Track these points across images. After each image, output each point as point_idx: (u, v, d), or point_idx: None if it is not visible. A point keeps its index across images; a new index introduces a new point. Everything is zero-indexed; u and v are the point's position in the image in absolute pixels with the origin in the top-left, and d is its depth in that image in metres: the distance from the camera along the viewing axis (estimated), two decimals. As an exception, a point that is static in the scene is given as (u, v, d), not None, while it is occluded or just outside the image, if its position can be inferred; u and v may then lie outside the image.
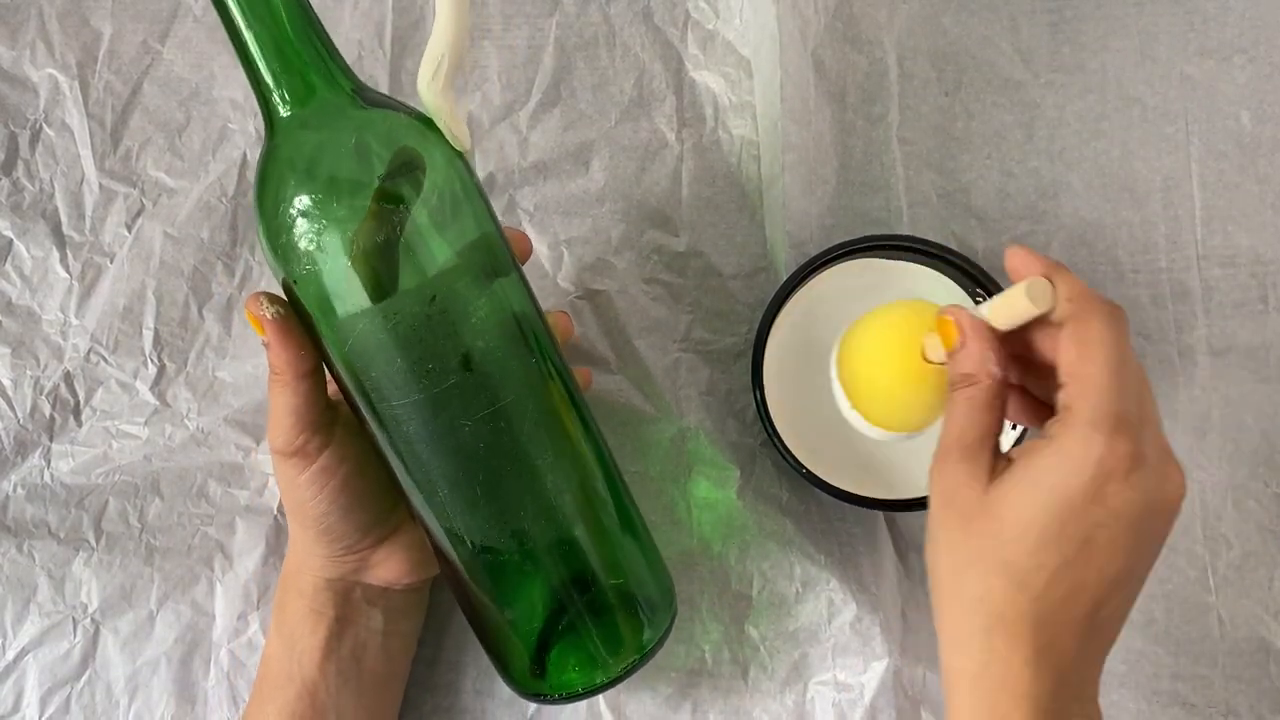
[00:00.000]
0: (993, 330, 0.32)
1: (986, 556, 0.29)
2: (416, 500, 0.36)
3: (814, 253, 0.43)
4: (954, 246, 0.45)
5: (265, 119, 0.34)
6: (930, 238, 0.42)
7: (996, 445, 0.31)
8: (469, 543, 0.35)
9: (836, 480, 0.41)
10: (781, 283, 0.42)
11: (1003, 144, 0.46)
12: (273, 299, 0.34)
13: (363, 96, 0.34)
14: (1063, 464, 0.28)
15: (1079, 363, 0.29)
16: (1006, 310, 0.31)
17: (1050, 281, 0.30)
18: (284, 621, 0.39)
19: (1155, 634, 0.44)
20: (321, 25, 0.34)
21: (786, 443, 0.41)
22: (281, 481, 0.37)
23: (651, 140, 0.47)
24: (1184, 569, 0.44)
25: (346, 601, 0.39)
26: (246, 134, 0.47)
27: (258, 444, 0.46)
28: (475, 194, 0.35)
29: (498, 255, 0.35)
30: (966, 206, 0.46)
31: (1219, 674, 0.43)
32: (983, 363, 0.31)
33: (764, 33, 0.46)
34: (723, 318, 0.46)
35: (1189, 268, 0.45)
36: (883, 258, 0.43)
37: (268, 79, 0.33)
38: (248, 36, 0.32)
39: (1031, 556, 0.28)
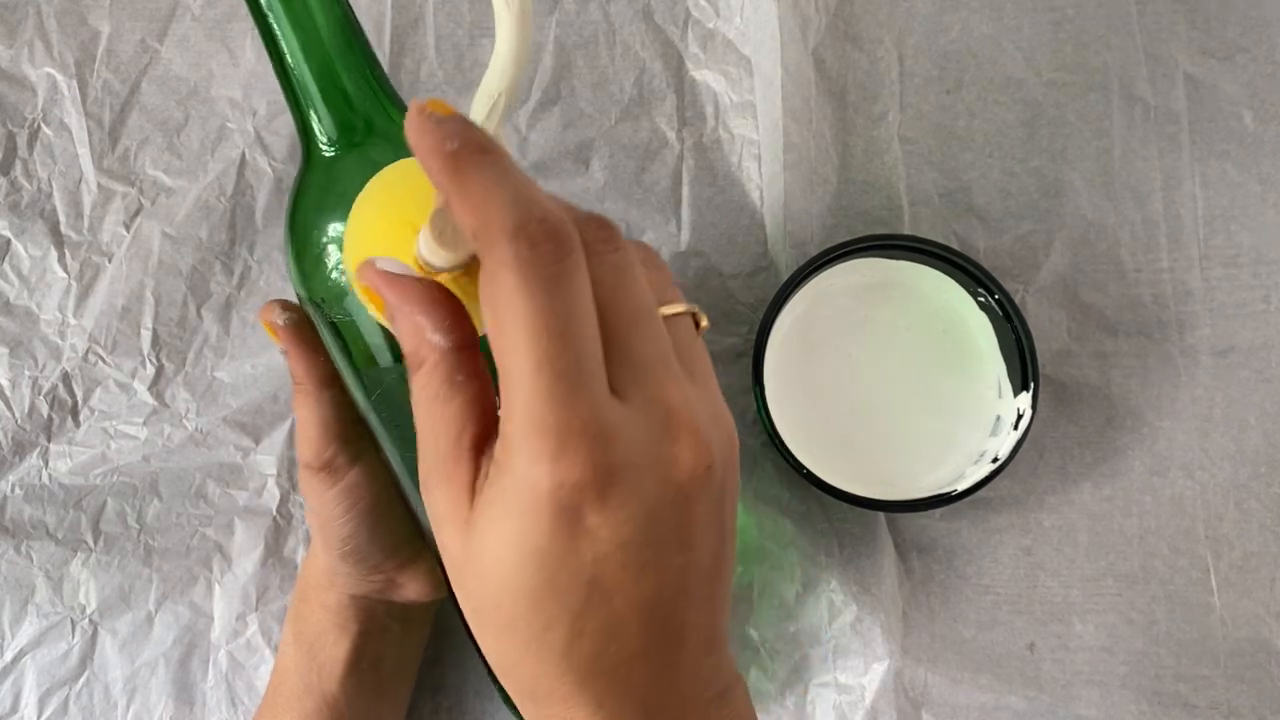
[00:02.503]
0: (423, 283, 0.22)
1: (488, 617, 0.22)
2: (422, 521, 0.36)
3: (815, 252, 0.42)
4: (956, 246, 0.45)
5: (303, 147, 0.33)
6: (932, 237, 0.42)
7: (484, 441, 0.22)
8: None
9: (836, 480, 0.41)
10: (782, 282, 0.42)
11: (1004, 143, 0.46)
12: (285, 305, 0.34)
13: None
14: (516, 511, 0.20)
15: (496, 343, 0.20)
16: (430, 247, 0.22)
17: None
18: (304, 632, 0.39)
19: (1156, 635, 0.44)
20: (376, 60, 0.33)
21: (787, 443, 0.41)
22: (310, 498, 0.36)
23: (652, 139, 0.47)
24: (1186, 569, 0.44)
25: (371, 617, 0.39)
26: (245, 133, 0.47)
27: (257, 444, 0.46)
28: None
29: None
30: (968, 206, 0.46)
31: (1221, 675, 0.43)
32: (418, 334, 0.22)
33: (765, 31, 0.46)
34: (723, 317, 0.46)
35: (1191, 267, 0.45)
36: (884, 257, 0.43)
37: (314, 125, 0.32)
38: (297, 79, 0.32)
39: (534, 617, 0.21)
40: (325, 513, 0.36)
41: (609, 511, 0.20)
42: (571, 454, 0.20)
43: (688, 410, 0.21)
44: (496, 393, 0.22)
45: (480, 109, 0.31)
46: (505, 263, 0.19)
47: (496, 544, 0.21)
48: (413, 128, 0.20)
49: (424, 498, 0.23)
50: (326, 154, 0.32)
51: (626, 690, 0.22)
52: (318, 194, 0.32)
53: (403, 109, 0.34)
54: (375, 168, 0.31)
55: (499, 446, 0.21)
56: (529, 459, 0.20)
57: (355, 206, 0.26)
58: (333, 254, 0.32)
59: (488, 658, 0.23)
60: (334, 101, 0.32)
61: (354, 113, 0.32)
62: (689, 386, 0.22)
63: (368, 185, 0.27)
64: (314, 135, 0.32)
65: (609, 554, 0.21)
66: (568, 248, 0.20)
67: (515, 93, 0.30)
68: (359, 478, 0.35)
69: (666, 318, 0.23)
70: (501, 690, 0.37)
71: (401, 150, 0.32)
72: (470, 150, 0.20)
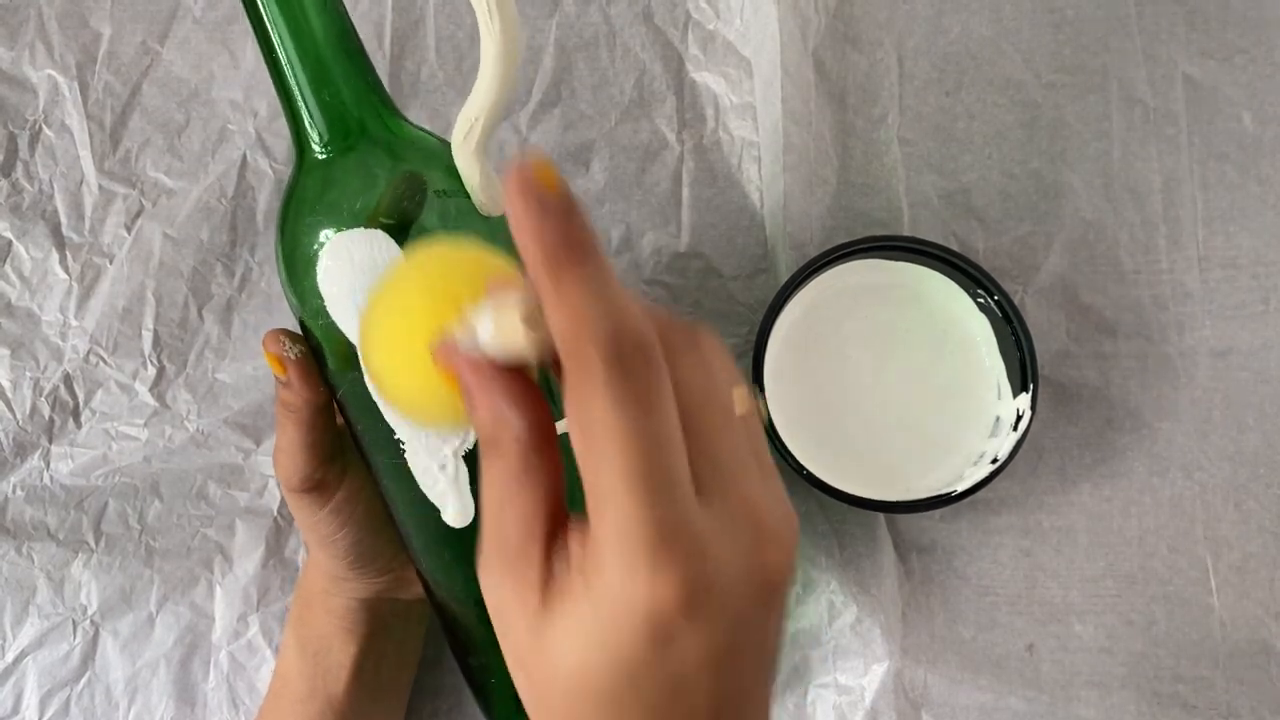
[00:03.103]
0: (502, 367, 0.22)
1: (556, 709, 0.22)
2: (400, 526, 0.36)
3: (814, 253, 0.42)
4: (955, 247, 0.45)
5: (296, 150, 0.33)
6: (931, 238, 0.42)
7: (553, 532, 0.22)
8: (438, 598, 0.36)
9: (836, 481, 0.41)
10: (782, 284, 0.42)
11: (1004, 145, 0.46)
12: (294, 338, 0.33)
13: (400, 138, 0.33)
14: (608, 621, 0.20)
15: (586, 456, 0.20)
16: (504, 333, 0.22)
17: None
18: (308, 638, 0.39)
19: (1156, 636, 0.44)
20: (370, 62, 0.33)
21: (787, 443, 0.41)
22: (303, 520, 0.36)
23: (652, 141, 0.47)
24: (1185, 570, 0.44)
25: (376, 618, 0.39)
26: (246, 135, 0.47)
27: (258, 445, 0.46)
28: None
29: None
30: (967, 207, 0.46)
31: (1220, 676, 0.43)
32: (497, 419, 0.22)
33: (765, 33, 0.46)
34: (723, 319, 0.46)
35: (1190, 269, 0.45)
36: (883, 259, 0.43)
37: (308, 127, 0.32)
38: (293, 83, 0.32)
39: (610, 714, 0.21)
40: (322, 530, 0.35)
41: (700, 625, 0.20)
42: (666, 570, 0.19)
43: (770, 513, 0.22)
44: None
45: (460, 130, 0.31)
46: (595, 375, 0.19)
47: (580, 647, 0.20)
48: (516, 205, 0.20)
49: (483, 580, 0.23)
50: (320, 157, 0.32)
51: None
52: (310, 196, 0.32)
53: (395, 111, 0.34)
54: (368, 171, 0.31)
55: (588, 556, 0.21)
56: (624, 573, 0.20)
57: (391, 280, 0.26)
58: (320, 258, 0.32)
59: None
60: (328, 104, 0.32)
61: (348, 116, 0.32)
62: (767, 485, 0.22)
63: (410, 256, 0.26)
64: (307, 138, 0.32)
65: (695, 662, 0.21)
66: (656, 362, 0.20)
67: (495, 116, 0.30)
68: (350, 490, 0.35)
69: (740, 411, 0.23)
70: (489, 711, 0.37)
71: (394, 154, 0.32)
72: (571, 252, 0.19)
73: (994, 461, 0.41)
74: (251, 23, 0.32)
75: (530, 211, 0.19)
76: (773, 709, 0.25)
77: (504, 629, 0.22)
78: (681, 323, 0.22)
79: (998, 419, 0.43)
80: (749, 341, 0.46)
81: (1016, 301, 0.44)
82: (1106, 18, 0.46)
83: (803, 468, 0.40)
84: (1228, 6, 0.46)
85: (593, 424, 0.20)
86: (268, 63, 0.32)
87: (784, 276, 0.44)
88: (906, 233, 0.46)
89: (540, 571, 0.21)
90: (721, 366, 0.23)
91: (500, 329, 0.22)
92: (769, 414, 0.41)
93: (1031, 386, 0.41)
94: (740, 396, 0.23)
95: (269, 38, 0.31)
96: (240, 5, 0.32)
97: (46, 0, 0.48)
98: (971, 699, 0.43)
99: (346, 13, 0.33)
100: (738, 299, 0.46)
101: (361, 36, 0.47)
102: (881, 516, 0.45)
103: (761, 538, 0.21)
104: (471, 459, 0.32)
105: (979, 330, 0.43)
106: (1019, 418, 0.41)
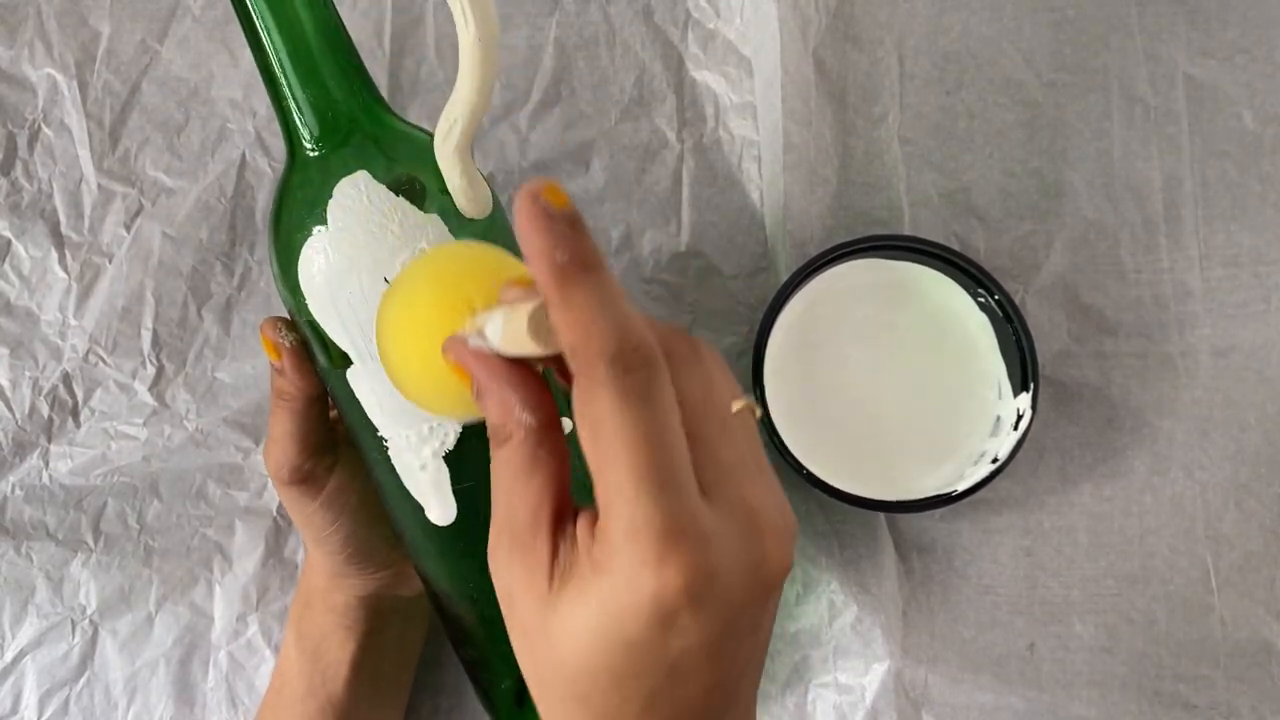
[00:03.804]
0: (510, 362, 0.23)
1: (559, 688, 0.23)
2: (395, 522, 0.36)
3: (814, 253, 0.42)
4: (956, 246, 0.45)
5: (288, 147, 0.33)
6: (932, 238, 0.42)
7: (560, 518, 0.23)
8: (433, 591, 0.35)
9: (836, 480, 0.41)
10: (782, 283, 0.42)
11: (1004, 144, 0.46)
12: (290, 326, 0.34)
13: (391, 134, 0.33)
14: (615, 607, 0.21)
15: (594, 454, 0.21)
16: (513, 336, 0.23)
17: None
18: (306, 635, 0.39)
19: (1156, 635, 0.44)
20: (360, 58, 0.33)
21: (787, 443, 0.41)
22: (296, 515, 0.36)
23: (652, 140, 0.47)
24: (1185, 569, 0.44)
25: (376, 615, 0.39)
26: (245, 134, 0.47)
27: (257, 445, 0.46)
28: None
29: None
30: (968, 206, 0.46)
31: (1221, 675, 0.43)
32: (506, 411, 0.23)
33: (765, 32, 0.46)
34: (723, 318, 0.46)
35: (1191, 268, 0.45)
36: (884, 258, 0.43)
37: (298, 124, 0.32)
38: (282, 80, 0.32)
39: (611, 694, 0.23)
40: (315, 525, 0.36)
41: (703, 613, 0.21)
42: (674, 560, 0.21)
43: (768, 510, 0.23)
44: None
45: (440, 131, 0.31)
46: (602, 382, 0.21)
47: (586, 630, 0.22)
48: (525, 221, 0.21)
49: (492, 563, 0.24)
50: (311, 154, 0.32)
51: None
52: (302, 193, 0.32)
53: (386, 107, 0.34)
54: (359, 168, 0.31)
55: (597, 545, 0.22)
56: (633, 562, 0.21)
57: (407, 278, 0.27)
58: (303, 253, 0.32)
59: (545, 718, 0.24)
60: (318, 101, 0.32)
61: (338, 112, 0.32)
62: (767, 486, 0.24)
63: (424, 257, 0.28)
64: (298, 135, 0.32)
65: (694, 646, 0.22)
66: (659, 367, 0.21)
67: (475, 117, 0.30)
68: (340, 482, 0.35)
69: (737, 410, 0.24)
70: (491, 709, 0.37)
71: (385, 151, 0.32)
72: (578, 266, 0.21)
73: (994, 461, 0.41)
74: (241, 21, 0.32)
75: (539, 226, 0.21)
76: (754, 702, 0.26)
77: (511, 609, 0.23)
78: (682, 334, 0.24)
79: (998, 418, 0.43)
80: (749, 341, 0.45)
81: (1017, 301, 0.44)
82: (1107, 17, 0.46)
83: (803, 467, 0.40)
84: (1228, 6, 0.46)
85: (600, 424, 0.21)
86: (258, 61, 0.32)
87: (784, 276, 0.44)
88: (907, 232, 0.46)
89: (548, 555, 0.23)
90: (720, 376, 0.24)
91: (509, 333, 0.23)
92: (768, 414, 0.41)
93: (1032, 386, 0.41)
94: (739, 404, 0.24)
95: (258, 35, 0.31)
96: (232, 4, 0.32)
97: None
98: (972, 698, 0.43)
99: (335, 8, 0.33)
100: (738, 298, 0.46)
101: (361, 36, 0.47)
102: (881, 516, 0.45)
103: (761, 534, 0.23)
104: (451, 460, 0.32)
105: (979, 330, 0.43)
106: (1019, 417, 0.41)
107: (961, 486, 0.40)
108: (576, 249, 0.21)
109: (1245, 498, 0.44)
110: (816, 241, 0.45)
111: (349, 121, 0.32)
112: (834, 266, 0.42)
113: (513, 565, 0.23)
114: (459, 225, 0.33)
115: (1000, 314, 0.42)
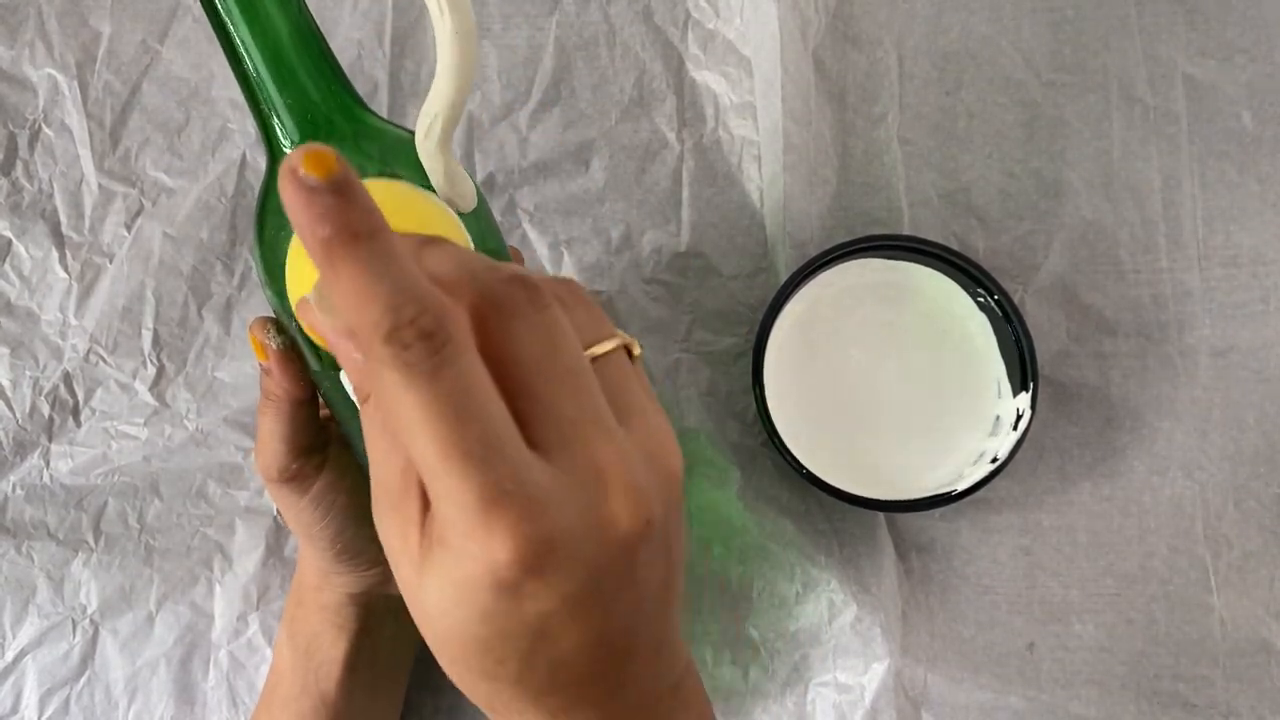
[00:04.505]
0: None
1: (440, 649, 0.23)
2: None
3: (814, 253, 0.43)
4: (955, 246, 0.45)
5: (267, 149, 0.33)
6: (931, 238, 0.42)
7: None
8: None
9: (836, 480, 0.41)
10: (782, 283, 0.42)
11: (1004, 144, 0.46)
12: (279, 327, 0.34)
13: (370, 133, 0.33)
14: (460, 579, 0.21)
15: (398, 436, 0.21)
16: (318, 315, 0.23)
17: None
18: (299, 633, 0.39)
19: (1156, 634, 0.44)
20: (334, 57, 0.33)
21: (786, 443, 0.41)
22: (285, 511, 0.36)
23: (652, 140, 0.47)
24: (1185, 569, 0.44)
25: (369, 613, 0.39)
26: (246, 134, 0.47)
27: (257, 444, 0.46)
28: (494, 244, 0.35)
29: None
30: (967, 206, 0.46)
31: (1220, 675, 0.43)
32: (359, 369, 0.23)
33: (764, 32, 0.46)
34: (723, 318, 0.46)
35: (1190, 268, 0.45)
36: (884, 258, 0.43)
37: (276, 128, 0.32)
38: (257, 82, 0.32)
39: (484, 656, 0.22)
40: (304, 521, 0.35)
41: (548, 579, 0.21)
42: (500, 530, 0.20)
43: (621, 464, 0.22)
44: None
45: (421, 127, 0.31)
46: (382, 360, 0.19)
47: (444, 600, 0.21)
48: (286, 197, 0.19)
49: (376, 522, 0.23)
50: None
51: (579, 700, 0.23)
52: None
53: (363, 104, 0.34)
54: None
55: (433, 520, 0.21)
56: (461, 537, 0.20)
57: (294, 241, 0.26)
58: (293, 255, 0.32)
59: (447, 674, 0.24)
60: (294, 103, 0.32)
61: (315, 113, 0.32)
62: (621, 436, 0.22)
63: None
64: (276, 138, 0.32)
65: (554, 609, 0.21)
66: (442, 339, 0.19)
67: (454, 113, 0.30)
68: (329, 480, 0.35)
69: (595, 358, 0.23)
70: None
71: (364, 149, 0.32)
72: (344, 240, 0.19)
73: (994, 461, 0.41)
74: (214, 28, 0.32)
75: (298, 201, 0.19)
76: (675, 647, 0.26)
77: (395, 570, 0.23)
78: (522, 280, 0.22)
79: (998, 418, 0.43)
80: (749, 341, 0.46)
81: (1016, 301, 0.44)
82: (1106, 17, 0.46)
83: (803, 467, 0.41)
84: (1228, 6, 0.46)
85: (390, 405, 0.20)
86: (232, 66, 0.32)
87: (784, 276, 0.44)
88: (906, 232, 0.46)
89: (418, 513, 0.22)
90: (581, 321, 0.23)
91: (320, 303, 0.22)
92: (768, 413, 0.41)
93: (1031, 386, 0.41)
94: (604, 347, 0.23)
95: (232, 41, 0.31)
96: (204, 9, 0.32)
97: (46, 0, 0.48)
98: (971, 698, 0.43)
99: (308, 10, 0.33)
100: (738, 298, 0.46)
101: (361, 36, 0.47)
102: (881, 516, 0.45)
103: (608, 492, 0.21)
104: None
105: (979, 330, 0.43)
106: (1019, 417, 0.41)
107: (961, 486, 0.40)
108: (341, 220, 0.19)
109: (1244, 497, 0.44)
110: (816, 241, 0.45)
111: (327, 122, 0.32)
112: (834, 266, 0.42)
113: (388, 526, 0.22)
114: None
115: (999, 314, 0.42)
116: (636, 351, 0.24)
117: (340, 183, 0.19)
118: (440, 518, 0.21)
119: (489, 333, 0.21)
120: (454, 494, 0.20)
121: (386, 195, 0.26)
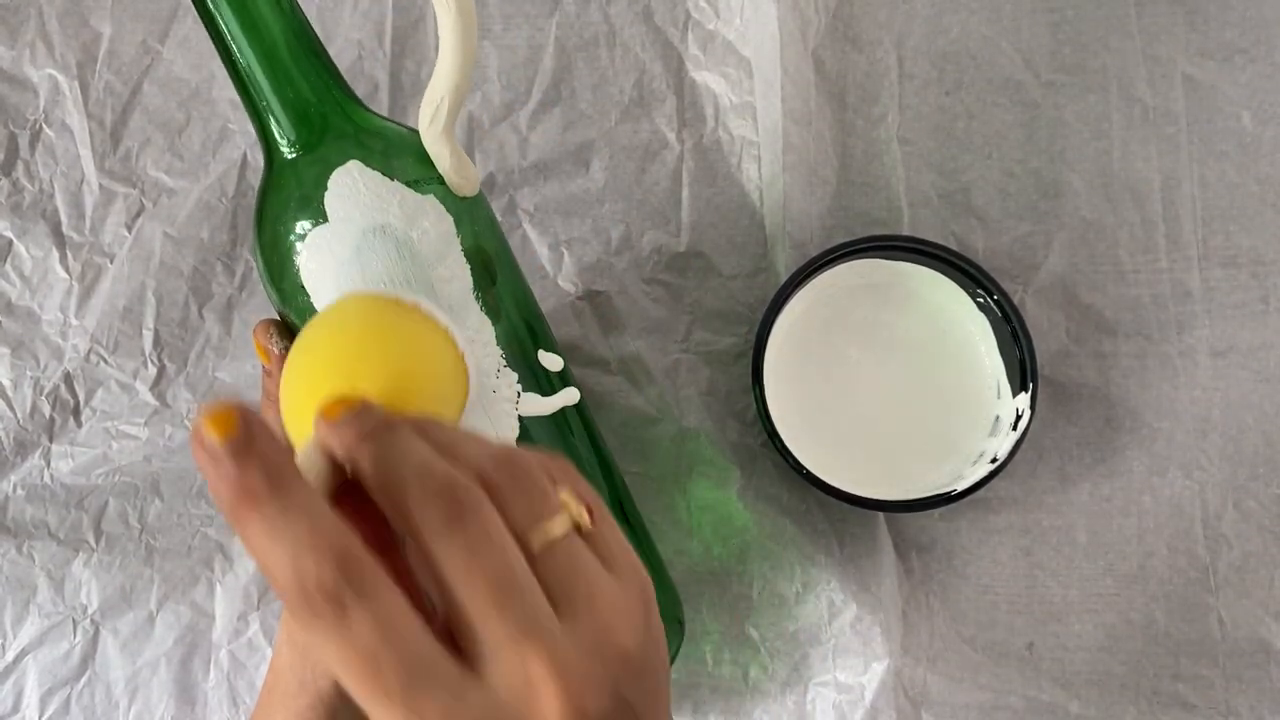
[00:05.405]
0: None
1: None
2: None
3: (814, 253, 0.43)
4: (955, 247, 0.45)
5: (265, 151, 0.33)
6: (931, 238, 0.42)
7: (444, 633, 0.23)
8: None
9: (836, 480, 0.41)
10: (782, 283, 0.42)
11: (1003, 144, 0.46)
12: (282, 332, 0.34)
13: (366, 130, 0.33)
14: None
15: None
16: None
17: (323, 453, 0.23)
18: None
19: (1155, 634, 0.44)
20: (328, 56, 0.33)
21: (786, 443, 0.41)
22: None
23: (652, 140, 0.47)
24: (1184, 569, 0.44)
25: None
26: (246, 134, 0.47)
27: (258, 444, 0.46)
28: (501, 249, 0.35)
29: (500, 270, 0.35)
30: (967, 207, 0.46)
31: (1219, 675, 0.43)
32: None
33: (764, 33, 0.46)
34: (723, 318, 0.46)
35: (1190, 268, 0.45)
36: (883, 258, 0.43)
37: (274, 128, 0.32)
38: (254, 85, 0.32)
39: None
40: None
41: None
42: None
43: (552, 668, 0.22)
44: None
45: (425, 114, 0.31)
46: (294, 615, 0.20)
47: None
48: (194, 455, 0.20)
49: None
50: (288, 156, 0.33)
51: None
52: (281, 195, 0.33)
53: (358, 102, 0.34)
54: (334, 167, 0.32)
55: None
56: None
57: (320, 324, 0.27)
58: (299, 254, 0.32)
59: None
60: (290, 104, 0.32)
61: (311, 113, 0.32)
62: (558, 635, 0.22)
63: (344, 308, 0.27)
64: (273, 139, 0.33)
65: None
66: (348, 591, 0.20)
67: (458, 96, 0.31)
68: None
69: (542, 546, 0.23)
70: None
71: (361, 146, 0.33)
72: (244, 502, 0.20)
73: (994, 461, 0.41)
74: (208, 28, 0.32)
75: (203, 464, 0.20)
76: None
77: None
78: (452, 494, 0.22)
79: (997, 418, 0.43)
80: (748, 341, 0.46)
81: (1016, 301, 0.44)
82: (1106, 17, 0.46)
83: (802, 467, 0.41)
84: (1227, 6, 0.46)
85: (311, 645, 0.20)
86: (227, 67, 0.32)
87: (784, 276, 0.44)
88: (906, 232, 0.46)
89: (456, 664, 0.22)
90: (519, 514, 0.23)
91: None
92: (768, 414, 0.41)
93: (1031, 386, 0.41)
94: (543, 539, 0.23)
95: (227, 43, 0.31)
96: (199, 16, 0.32)
97: (47, 0, 0.48)
98: (971, 698, 0.43)
99: (301, 10, 0.33)
100: (738, 298, 0.46)
101: (362, 36, 0.47)
102: (881, 516, 0.45)
103: (539, 698, 0.21)
104: None
105: (978, 330, 0.43)
106: (1018, 417, 0.41)
107: (961, 486, 0.41)
108: (239, 485, 0.20)
109: (1244, 498, 0.44)
110: (816, 242, 0.45)
111: (323, 120, 0.33)
112: (833, 267, 0.42)
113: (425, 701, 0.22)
114: (451, 203, 0.33)
115: (999, 314, 0.42)
116: (585, 523, 0.24)
117: (239, 445, 0.20)
118: None
119: (420, 541, 0.22)
120: None
121: (377, 313, 0.27)
